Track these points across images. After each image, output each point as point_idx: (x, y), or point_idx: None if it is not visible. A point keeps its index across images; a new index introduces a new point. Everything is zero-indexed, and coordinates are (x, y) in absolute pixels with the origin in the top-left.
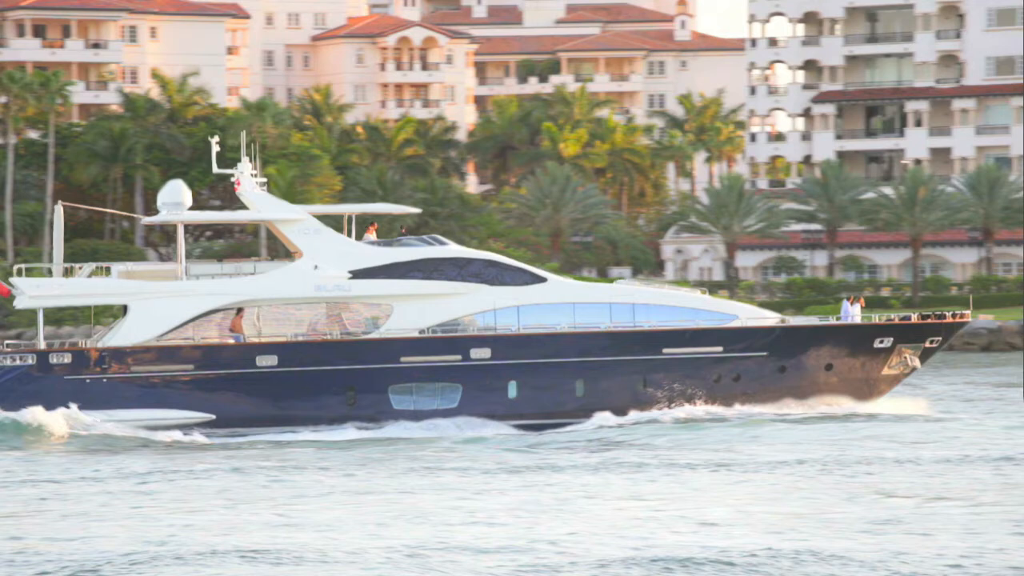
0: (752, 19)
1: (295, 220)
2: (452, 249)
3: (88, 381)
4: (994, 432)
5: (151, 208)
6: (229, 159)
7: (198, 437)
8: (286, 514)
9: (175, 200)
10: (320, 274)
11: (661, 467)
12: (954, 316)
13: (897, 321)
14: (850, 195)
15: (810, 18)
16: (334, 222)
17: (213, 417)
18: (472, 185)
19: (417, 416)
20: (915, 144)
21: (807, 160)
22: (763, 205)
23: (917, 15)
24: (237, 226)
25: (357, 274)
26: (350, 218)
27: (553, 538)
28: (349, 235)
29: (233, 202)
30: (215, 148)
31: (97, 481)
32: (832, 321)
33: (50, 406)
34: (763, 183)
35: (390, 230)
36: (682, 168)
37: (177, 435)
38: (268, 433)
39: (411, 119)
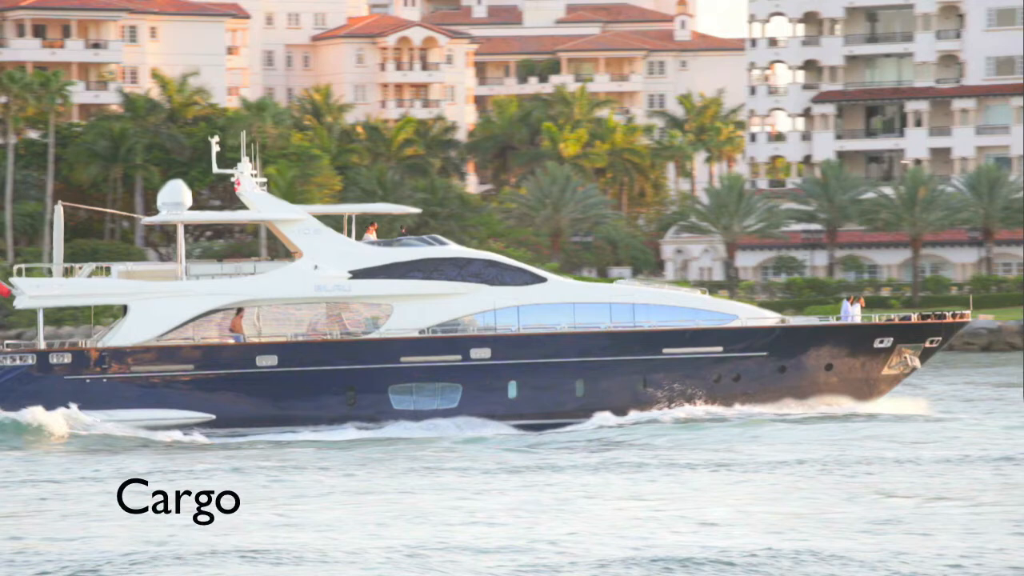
0: (752, 19)
1: (295, 220)
2: (452, 249)
3: (88, 381)
4: (994, 432)
5: (151, 208)
6: (229, 159)
7: (198, 437)
8: (286, 514)
9: (175, 200)
10: (320, 274)
11: (661, 467)
12: (954, 316)
13: (897, 321)
14: (850, 195)
15: (810, 18)
16: (334, 222)
17: (213, 417)
18: (472, 185)
19: (417, 416)
20: (915, 144)
21: (807, 160)
22: (763, 205)
23: (917, 15)
24: (237, 226)
25: (357, 274)
26: (350, 218)
27: (553, 538)
28: (349, 235)
29: (233, 202)
30: (215, 148)
31: (97, 481)
32: (832, 321)
33: (50, 406)
34: (763, 183)
35: (390, 230)
36: (682, 168)
37: (177, 435)
38: (268, 433)
39: (411, 119)
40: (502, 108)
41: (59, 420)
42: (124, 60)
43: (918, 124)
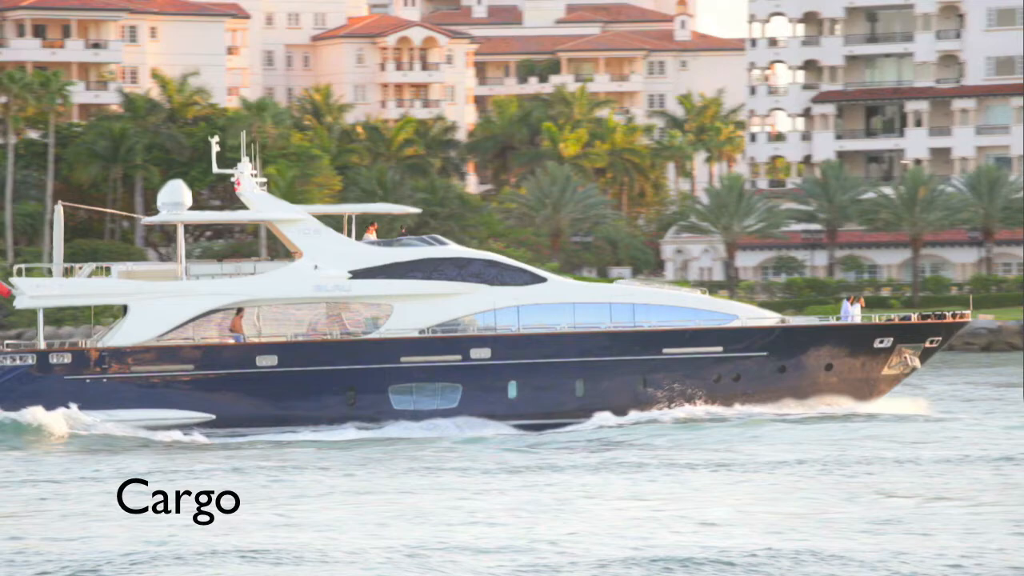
0: (752, 19)
1: (295, 220)
2: (452, 249)
3: (88, 381)
4: (994, 432)
5: (151, 208)
6: (229, 159)
7: (198, 437)
8: (286, 514)
9: (175, 200)
10: (320, 274)
11: (661, 467)
12: (954, 316)
13: (897, 321)
14: (850, 195)
15: (810, 18)
16: (334, 222)
17: (213, 417)
18: (472, 185)
19: (417, 416)
20: (915, 144)
21: (807, 160)
22: (763, 205)
23: (917, 15)
24: (237, 226)
25: (357, 274)
26: (350, 218)
27: (553, 538)
28: (349, 235)
29: (233, 202)
30: (215, 148)
31: (97, 481)
32: (832, 321)
33: (50, 406)
34: (763, 183)
35: (390, 230)
36: (682, 168)
37: (177, 435)
38: (268, 433)
39: (411, 119)
40: (502, 108)
41: (59, 420)
42: (124, 60)
43: (918, 124)
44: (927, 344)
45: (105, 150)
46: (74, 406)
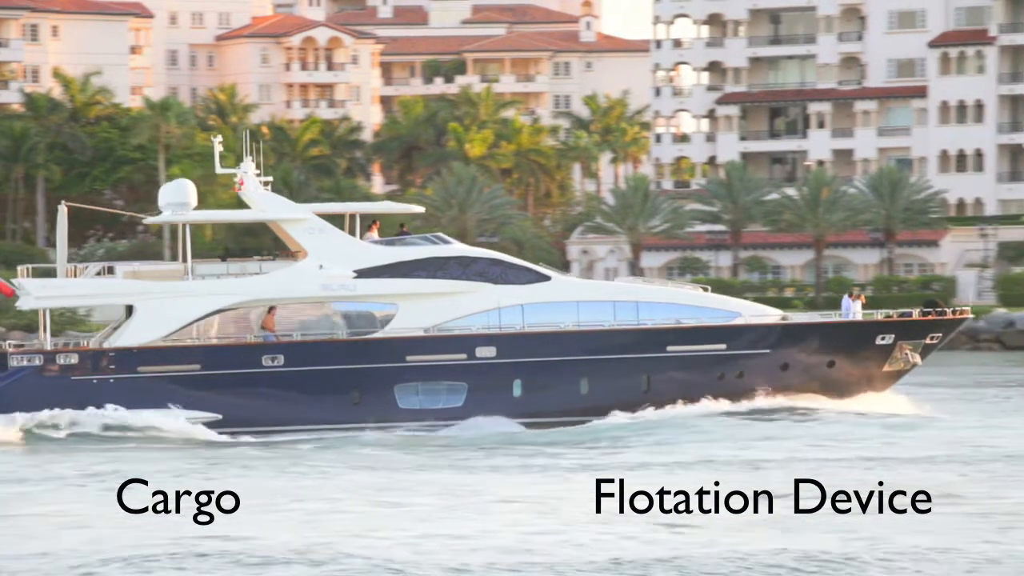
0: (657, 20)
1: (300, 219)
2: (456, 248)
3: (95, 381)
4: (994, 432)
5: (51, 209)
6: (133, 159)
7: (207, 436)
8: (288, 514)
9: (180, 200)
10: (325, 273)
11: (660, 467)
12: (955, 312)
13: (897, 318)
14: (754, 196)
15: (714, 20)
16: (335, 222)
17: (220, 417)
18: (378, 186)
19: (422, 415)
20: (818, 145)
21: (711, 161)
22: (668, 206)
23: (819, 17)
24: (141, 225)
25: (362, 273)
26: (352, 217)
27: (552, 538)
28: (352, 234)
29: (137, 201)
30: (217, 148)
31: (97, 481)
32: (834, 318)
33: (56, 407)
34: (668, 184)
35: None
36: (587, 169)
37: (183, 435)
38: (274, 433)
39: (316, 119)
40: (408, 108)
41: (64, 420)
42: (25, 59)
43: (821, 126)
44: (927, 340)
45: (6, 149)
46: (80, 406)
